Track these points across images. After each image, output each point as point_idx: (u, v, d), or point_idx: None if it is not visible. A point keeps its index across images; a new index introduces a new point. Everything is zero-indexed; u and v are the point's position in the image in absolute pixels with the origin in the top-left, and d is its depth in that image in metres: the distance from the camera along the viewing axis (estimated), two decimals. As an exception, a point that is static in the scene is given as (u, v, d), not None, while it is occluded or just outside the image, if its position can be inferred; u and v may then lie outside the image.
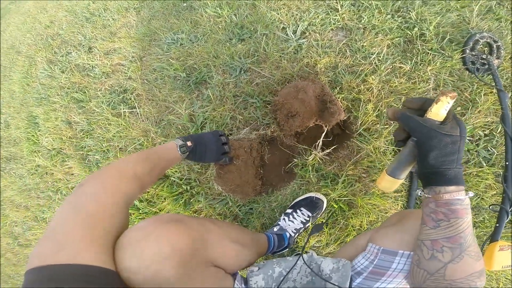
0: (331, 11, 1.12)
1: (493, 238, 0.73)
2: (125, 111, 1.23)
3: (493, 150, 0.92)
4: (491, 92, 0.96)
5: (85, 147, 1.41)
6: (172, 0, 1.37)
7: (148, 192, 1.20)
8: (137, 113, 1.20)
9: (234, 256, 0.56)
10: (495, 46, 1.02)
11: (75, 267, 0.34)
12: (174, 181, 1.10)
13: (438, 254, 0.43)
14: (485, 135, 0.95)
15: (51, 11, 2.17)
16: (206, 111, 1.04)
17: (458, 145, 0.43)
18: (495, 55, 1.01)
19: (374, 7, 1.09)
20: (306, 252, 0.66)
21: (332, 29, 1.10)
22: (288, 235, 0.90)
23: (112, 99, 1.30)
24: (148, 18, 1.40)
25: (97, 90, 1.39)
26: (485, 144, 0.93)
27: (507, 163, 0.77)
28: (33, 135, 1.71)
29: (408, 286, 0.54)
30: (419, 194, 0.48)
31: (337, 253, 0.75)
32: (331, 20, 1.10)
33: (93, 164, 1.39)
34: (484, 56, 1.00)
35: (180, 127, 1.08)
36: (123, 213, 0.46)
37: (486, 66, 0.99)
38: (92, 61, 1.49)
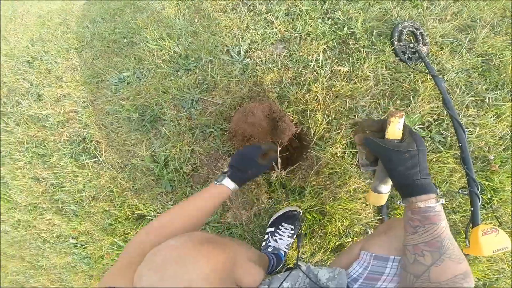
0: (268, 25, 1.07)
1: (474, 223, 0.67)
2: (88, 162, 1.14)
3: (446, 133, 0.92)
4: (428, 79, 0.96)
5: (58, 199, 1.32)
6: (112, 37, 1.24)
7: (129, 232, 1.15)
8: (100, 161, 1.11)
9: (253, 275, 0.55)
10: (418, 34, 1.00)
11: None
12: (151, 219, 1.06)
13: (420, 258, 0.44)
14: (434, 121, 0.93)
15: (-11, 57, 1.93)
16: (166, 149, 0.98)
17: (417, 158, 0.45)
18: (421, 42, 0.99)
19: (305, 13, 1.05)
20: (299, 263, 0.66)
21: (272, 43, 1.05)
22: (283, 253, 0.89)
23: (73, 149, 1.19)
24: (91, 59, 1.27)
25: (56, 142, 1.27)
26: (436, 129, 0.92)
27: (460, 144, 0.73)
28: (5, 194, 1.57)
29: None
30: (398, 203, 0.49)
31: (332, 263, 0.75)
32: (269, 34, 1.05)
33: (71, 214, 1.31)
34: (411, 45, 0.98)
35: (144, 169, 1.02)
36: None
37: (417, 54, 0.97)
38: (44, 110, 1.35)
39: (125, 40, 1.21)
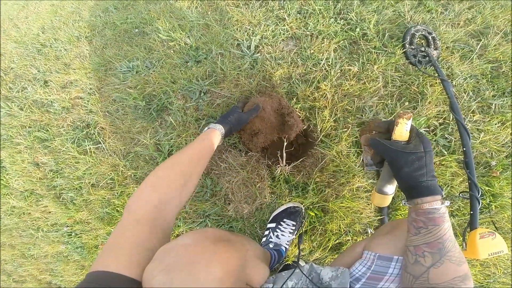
0: (279, 22, 1.05)
1: (472, 226, 0.67)
2: (90, 148, 1.09)
3: (450, 137, 0.90)
4: (436, 83, 0.94)
5: (57, 186, 1.26)
6: (123, 27, 1.22)
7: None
8: (103, 148, 1.07)
9: (262, 274, 0.52)
10: (430, 38, 0.99)
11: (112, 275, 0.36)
12: (152, 210, 1.01)
13: (420, 259, 0.43)
14: (440, 124, 0.92)
15: (-1, 44, 1.90)
16: (171, 138, 0.94)
17: (424, 160, 0.44)
18: (432, 46, 0.99)
19: (318, 12, 1.03)
20: (299, 261, 0.65)
21: (282, 40, 1.03)
22: (284, 249, 0.86)
23: (76, 135, 1.15)
24: (101, 47, 1.24)
25: (59, 127, 1.22)
26: (441, 133, 0.91)
27: (464, 149, 0.72)
28: (1, 179, 1.51)
29: None
30: (402, 203, 0.49)
31: (334, 262, 0.72)
32: (281, 30, 1.03)
33: (68, 202, 1.26)
34: (422, 49, 0.97)
35: (147, 157, 0.98)
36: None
37: (427, 58, 0.96)
38: (49, 95, 1.31)
39: (137, 30, 1.18)
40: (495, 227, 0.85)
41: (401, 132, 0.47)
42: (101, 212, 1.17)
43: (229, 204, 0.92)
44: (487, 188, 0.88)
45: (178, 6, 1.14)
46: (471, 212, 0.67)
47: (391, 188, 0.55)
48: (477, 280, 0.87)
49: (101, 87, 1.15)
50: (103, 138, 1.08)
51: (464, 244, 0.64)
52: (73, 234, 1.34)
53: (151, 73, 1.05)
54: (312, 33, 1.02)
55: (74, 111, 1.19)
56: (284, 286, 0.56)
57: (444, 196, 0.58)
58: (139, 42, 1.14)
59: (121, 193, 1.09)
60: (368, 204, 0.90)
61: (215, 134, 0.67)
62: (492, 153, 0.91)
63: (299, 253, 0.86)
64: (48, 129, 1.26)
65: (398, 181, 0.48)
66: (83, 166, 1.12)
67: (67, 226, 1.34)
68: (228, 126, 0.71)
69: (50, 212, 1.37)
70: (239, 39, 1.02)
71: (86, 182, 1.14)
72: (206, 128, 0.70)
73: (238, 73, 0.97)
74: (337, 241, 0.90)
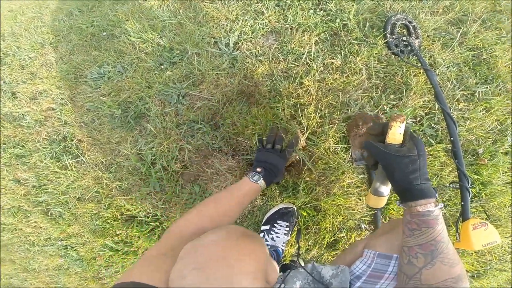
0: (258, 16, 0.98)
1: (464, 217, 0.65)
2: (70, 162, 1.02)
3: (437, 126, 0.88)
4: (420, 72, 0.91)
5: (42, 202, 1.20)
6: (90, 30, 1.10)
7: (120, 234, 1.06)
8: (83, 161, 1.00)
9: (276, 271, 0.50)
10: (411, 27, 0.95)
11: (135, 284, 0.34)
12: (142, 220, 0.97)
13: (413, 260, 0.43)
14: (426, 114, 0.90)
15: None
16: (153, 147, 0.88)
17: (417, 163, 0.44)
18: (414, 35, 0.95)
19: (297, 3, 0.96)
20: (298, 259, 0.67)
21: (262, 35, 0.96)
22: (280, 250, 0.85)
23: (53, 149, 1.06)
24: (68, 53, 1.13)
25: (35, 142, 1.13)
26: (428, 123, 0.88)
27: (451, 138, 0.70)
28: (-17, 198, 1.42)
29: None
30: (397, 204, 0.48)
31: (335, 260, 0.72)
32: (260, 25, 0.96)
33: (57, 216, 1.20)
34: (404, 38, 0.93)
35: (130, 168, 0.92)
36: None
37: (409, 48, 0.92)
38: (19, 108, 1.20)
39: (104, 33, 1.08)
40: (487, 215, 0.85)
41: (395, 135, 0.46)
42: (92, 225, 1.12)
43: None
44: (476, 176, 0.87)
45: (148, 6, 1.04)
46: (462, 203, 0.65)
47: (386, 189, 0.54)
48: (474, 268, 0.87)
49: (73, 97, 1.06)
50: (82, 151, 1.00)
51: (457, 235, 0.63)
52: (68, 247, 1.29)
53: (124, 79, 0.96)
54: (292, 26, 0.95)
55: (48, 124, 1.10)
56: (293, 286, 0.55)
57: (437, 198, 0.57)
58: (108, 46, 1.04)
59: (108, 205, 1.04)
60: (360, 200, 0.89)
61: (259, 193, 0.65)
62: (479, 140, 0.90)
63: (299, 249, 0.85)
64: (24, 144, 1.17)
65: (392, 184, 0.47)
66: (66, 180, 1.06)
67: (61, 240, 1.29)
68: (268, 177, 0.67)
69: (41, 227, 1.32)
70: (216, 37, 0.94)
71: (72, 197, 1.08)
72: (256, 178, 0.64)
73: (217, 73, 0.90)
74: (332, 239, 0.89)
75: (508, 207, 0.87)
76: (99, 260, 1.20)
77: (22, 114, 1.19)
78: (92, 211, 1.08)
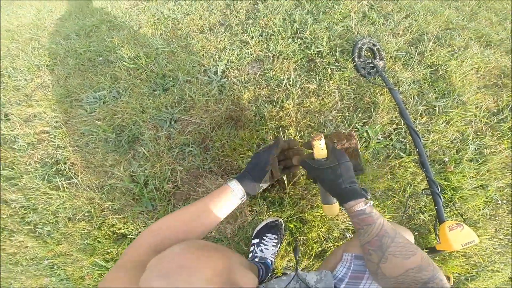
0: (243, 45, 1.05)
1: (440, 220, 0.67)
2: (63, 184, 1.02)
3: (405, 140, 0.94)
4: (385, 91, 0.99)
5: (30, 221, 1.16)
6: (86, 55, 1.14)
7: (111, 252, 1.05)
8: (76, 183, 1.00)
9: (249, 278, 0.51)
10: (375, 50, 1.03)
11: None
12: (133, 238, 0.97)
13: (369, 257, 0.46)
14: (394, 130, 0.96)
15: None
16: (146, 169, 0.91)
17: (339, 171, 0.49)
18: (378, 57, 1.03)
19: (277, 33, 1.05)
20: (285, 271, 0.67)
21: (248, 63, 1.04)
22: (270, 261, 0.87)
23: (45, 172, 1.06)
24: (64, 77, 1.15)
25: (26, 165, 1.12)
26: (396, 137, 0.94)
27: (417, 150, 0.75)
28: (-32, 219, 1.35)
29: None
30: (342, 209, 0.52)
31: (320, 267, 0.75)
32: (245, 54, 1.03)
33: (45, 236, 1.17)
34: (370, 61, 1.01)
35: (123, 189, 0.93)
36: None
37: (375, 69, 1.00)
38: (12, 130, 1.19)
39: (101, 58, 1.11)
40: (463, 218, 0.87)
41: (318, 151, 0.53)
42: (82, 243, 1.11)
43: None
44: (445, 183, 0.92)
45: (142, 33, 1.10)
46: (436, 207, 0.69)
47: (332, 198, 0.59)
48: (465, 270, 0.87)
49: (67, 120, 1.08)
50: (75, 174, 1.01)
51: (437, 238, 0.66)
52: (55, 266, 1.24)
53: (119, 103, 1.00)
54: (274, 54, 1.03)
55: (40, 147, 1.10)
56: None
57: (368, 197, 0.58)
58: (104, 70, 1.08)
59: (100, 224, 1.04)
60: (341, 211, 0.91)
61: (230, 194, 0.57)
62: (443, 150, 0.96)
63: (297, 263, 0.82)
64: (14, 167, 1.15)
65: (328, 192, 0.53)
66: (57, 201, 1.05)
67: (48, 259, 1.25)
68: (245, 178, 0.59)
69: (27, 247, 1.27)
70: (206, 65, 1.01)
71: (62, 216, 1.07)
72: (228, 180, 0.59)
73: (207, 99, 0.96)
74: (319, 249, 0.92)
75: (483, 209, 0.90)
76: (87, 279, 1.17)
77: (14, 137, 1.18)
78: (83, 230, 1.07)
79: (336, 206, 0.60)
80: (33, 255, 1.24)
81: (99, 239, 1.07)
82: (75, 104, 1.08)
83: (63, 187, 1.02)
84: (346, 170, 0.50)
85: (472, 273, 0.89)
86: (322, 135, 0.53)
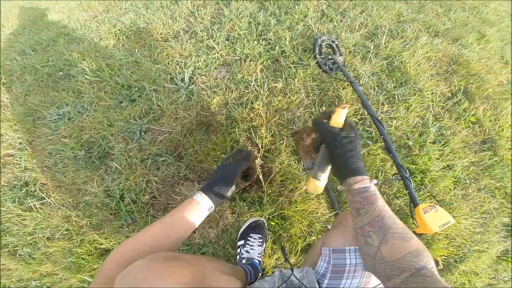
0: (210, 51, 1.05)
1: (414, 203, 0.67)
2: (35, 204, 0.98)
3: (370, 129, 0.98)
4: (347, 85, 1.02)
5: (8, 244, 1.12)
6: (45, 70, 1.08)
7: (97, 268, 1.05)
8: (49, 202, 0.97)
9: (226, 284, 0.52)
10: (335, 46, 1.07)
11: None
12: (117, 252, 0.97)
13: (368, 239, 0.43)
14: (359, 120, 1.00)
15: None
16: (120, 183, 0.91)
17: (354, 143, 0.48)
18: (338, 53, 1.07)
19: (243, 36, 1.06)
20: (274, 269, 0.65)
21: (215, 68, 1.04)
22: (257, 261, 0.87)
23: (15, 194, 1.01)
24: (23, 94, 1.08)
25: (-7, 189, 1.07)
26: (362, 127, 0.98)
27: (382, 137, 0.78)
28: None
29: (374, 276, 0.52)
30: (339, 188, 0.51)
31: (302, 263, 0.74)
32: (212, 59, 1.03)
33: (26, 257, 1.13)
34: (330, 57, 1.04)
35: (99, 204, 0.92)
36: None
37: (336, 65, 1.04)
38: (-27, 156, 1.12)
39: (61, 73, 1.06)
40: (437, 200, 0.88)
41: (337, 119, 0.51)
42: (66, 262, 1.08)
43: (195, 232, 0.94)
44: (413, 166, 0.95)
45: (103, 45, 1.06)
46: (408, 191, 0.69)
47: (324, 175, 0.56)
48: (451, 252, 0.88)
49: (32, 140, 1.03)
50: (47, 193, 0.98)
51: (415, 221, 0.66)
52: (44, 287, 1.22)
53: (85, 118, 0.97)
54: (241, 57, 1.04)
55: (6, 171, 1.05)
56: None
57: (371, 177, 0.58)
58: (66, 85, 1.03)
59: (81, 241, 1.02)
60: (320, 204, 0.95)
61: (196, 205, 0.56)
62: (407, 135, 1.02)
63: (291, 265, 0.80)
64: (-20, 192, 1.09)
65: (332, 161, 0.51)
66: (32, 222, 1.01)
67: (35, 280, 1.21)
68: (211, 190, 0.59)
69: (10, 269, 1.22)
70: (172, 73, 1.00)
71: (40, 236, 1.03)
72: (193, 193, 0.59)
73: (175, 107, 0.96)
74: (304, 244, 0.94)
75: (454, 189, 0.91)
76: (77, 298, 1.16)
77: (-24, 161, 1.11)
78: (64, 249, 1.05)
79: (322, 184, 0.57)
80: (18, 277, 1.20)
81: (83, 256, 1.05)
82: (39, 123, 1.03)
83: (36, 207, 0.99)
84: (359, 145, 0.49)
85: (459, 254, 0.89)
86: (347, 105, 0.52)
